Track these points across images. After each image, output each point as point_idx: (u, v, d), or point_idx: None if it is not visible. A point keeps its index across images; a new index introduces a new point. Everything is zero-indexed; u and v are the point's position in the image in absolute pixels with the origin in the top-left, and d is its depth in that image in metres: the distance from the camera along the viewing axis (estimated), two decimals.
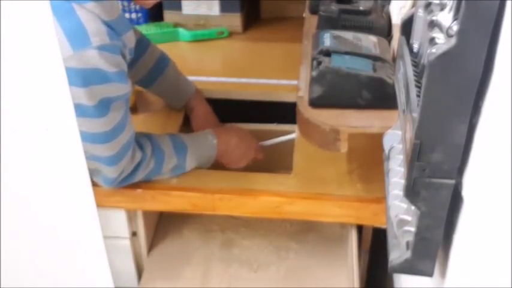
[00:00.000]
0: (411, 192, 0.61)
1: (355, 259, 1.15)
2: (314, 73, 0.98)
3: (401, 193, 0.65)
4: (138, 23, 1.63)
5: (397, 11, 1.13)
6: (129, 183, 1.06)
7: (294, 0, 1.66)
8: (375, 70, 0.98)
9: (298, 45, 1.23)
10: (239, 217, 1.26)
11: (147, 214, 1.20)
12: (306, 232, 1.25)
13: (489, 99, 0.53)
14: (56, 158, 0.57)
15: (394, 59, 1.01)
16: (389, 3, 1.18)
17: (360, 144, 1.13)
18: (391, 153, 0.79)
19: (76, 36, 0.88)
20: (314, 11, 1.28)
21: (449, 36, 0.56)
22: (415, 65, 0.66)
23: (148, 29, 1.58)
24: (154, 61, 1.25)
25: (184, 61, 1.33)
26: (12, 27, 0.49)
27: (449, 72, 0.53)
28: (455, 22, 0.55)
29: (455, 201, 0.61)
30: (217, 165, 1.19)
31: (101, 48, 0.90)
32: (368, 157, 1.14)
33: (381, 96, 0.97)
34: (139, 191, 1.09)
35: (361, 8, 1.17)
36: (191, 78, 1.34)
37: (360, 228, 1.20)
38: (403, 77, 0.68)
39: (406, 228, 0.68)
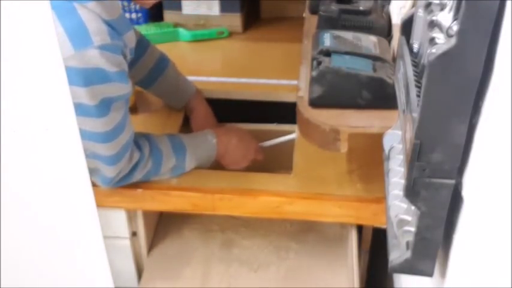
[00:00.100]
0: (411, 192, 0.61)
1: (355, 259, 1.15)
2: (314, 73, 0.98)
3: (401, 193, 0.65)
4: (138, 23, 1.63)
5: (397, 11, 1.13)
6: (126, 184, 1.07)
7: (294, 0, 1.66)
8: (375, 70, 0.98)
9: (298, 45, 1.23)
10: (239, 217, 1.26)
11: (147, 214, 1.20)
12: (306, 232, 1.25)
13: (489, 99, 0.53)
14: (56, 158, 0.57)
15: (394, 59, 1.01)
16: (389, 3, 1.18)
17: (360, 144, 1.13)
18: (391, 153, 0.79)
19: (77, 36, 0.89)
20: (314, 11, 1.28)
21: (449, 36, 0.56)
22: (415, 65, 0.66)
23: (148, 29, 1.58)
24: (154, 62, 1.25)
25: (184, 61, 1.33)
26: (12, 27, 0.49)
27: (449, 72, 0.53)
28: (455, 22, 0.55)
29: (455, 201, 0.61)
30: (217, 166, 1.19)
31: (102, 47, 0.90)
32: (368, 157, 1.14)
33: (381, 96, 0.97)
34: (139, 191, 1.09)
35: (361, 8, 1.17)
36: (191, 78, 1.34)
37: (360, 228, 1.20)
38: (403, 77, 0.68)
39: (406, 228, 0.68)
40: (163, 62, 1.27)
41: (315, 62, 0.99)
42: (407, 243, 0.67)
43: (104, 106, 0.94)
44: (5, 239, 0.61)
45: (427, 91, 0.55)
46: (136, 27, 1.41)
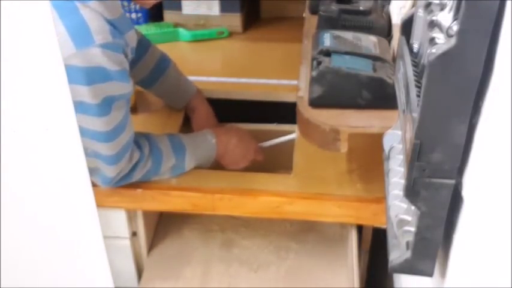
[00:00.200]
0: (411, 192, 0.61)
1: (355, 259, 1.15)
2: (314, 73, 0.98)
3: (401, 193, 0.65)
4: (138, 23, 1.63)
5: (397, 11, 1.13)
6: (126, 183, 1.07)
7: (294, 0, 1.67)
8: (375, 70, 0.98)
9: (298, 45, 1.23)
10: (239, 217, 1.26)
11: (147, 214, 1.20)
12: (306, 232, 1.25)
13: (489, 99, 0.53)
14: (56, 158, 0.57)
15: (394, 59, 1.01)
16: (389, 3, 1.18)
17: (360, 144, 1.13)
18: (391, 153, 0.79)
19: (79, 35, 0.89)
20: (314, 11, 1.28)
21: (449, 36, 0.56)
22: (415, 65, 0.66)
23: (148, 29, 1.58)
24: (156, 62, 1.25)
25: (184, 61, 1.33)
26: (12, 27, 0.49)
27: (449, 72, 0.53)
28: (455, 22, 0.55)
29: (455, 201, 0.61)
30: (217, 166, 1.19)
31: (104, 46, 0.90)
32: (368, 157, 1.14)
33: (381, 96, 0.97)
34: (139, 191, 1.09)
35: (361, 8, 1.17)
36: (191, 78, 1.34)
37: (360, 228, 1.20)
38: (403, 77, 0.68)
39: (406, 228, 0.68)
40: (164, 62, 1.27)
41: (315, 62, 0.99)
42: (407, 243, 0.67)
43: (106, 105, 0.94)
44: (5, 239, 0.61)
45: (427, 91, 0.55)
46: (136, 27, 1.41)
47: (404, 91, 0.65)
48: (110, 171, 1.02)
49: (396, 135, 0.79)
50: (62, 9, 0.88)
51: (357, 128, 0.96)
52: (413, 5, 0.74)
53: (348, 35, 1.07)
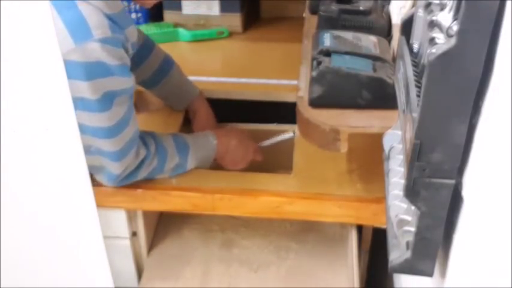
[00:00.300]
0: (411, 192, 0.61)
1: (355, 259, 1.15)
2: (314, 73, 0.98)
3: (401, 193, 0.65)
4: (138, 23, 1.63)
5: (397, 11, 1.13)
6: (131, 181, 1.06)
7: (294, 0, 1.67)
8: (375, 70, 0.98)
9: (298, 45, 1.23)
10: (239, 217, 1.26)
11: (147, 214, 1.20)
12: (306, 232, 1.25)
13: (489, 99, 0.53)
14: (56, 158, 0.57)
15: (394, 59, 1.01)
16: (389, 3, 1.18)
17: (360, 144, 1.13)
18: (391, 153, 0.79)
19: (78, 30, 0.88)
20: (314, 11, 1.28)
21: (449, 36, 0.56)
22: (415, 65, 0.66)
23: (148, 29, 1.58)
24: (159, 63, 1.25)
25: (184, 61, 1.33)
26: (12, 27, 0.49)
27: (449, 72, 0.53)
28: (455, 22, 0.55)
29: (455, 201, 0.61)
30: (217, 167, 1.19)
31: (103, 41, 0.89)
32: (368, 157, 1.14)
33: (381, 96, 0.97)
34: (139, 191, 1.09)
35: (361, 8, 1.17)
36: (191, 78, 1.34)
37: (360, 228, 1.20)
38: (403, 77, 0.68)
39: (406, 228, 0.68)
40: (168, 64, 1.27)
41: (315, 62, 0.99)
42: (407, 243, 0.67)
43: (107, 100, 0.94)
44: (5, 239, 0.61)
45: (427, 91, 0.55)
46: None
47: (404, 91, 0.65)
48: (115, 168, 1.01)
49: (396, 135, 0.79)
50: (59, 4, 0.88)
51: (357, 128, 0.96)
52: (413, 5, 0.74)
53: (348, 35, 1.07)
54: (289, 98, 1.30)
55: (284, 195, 1.08)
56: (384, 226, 0.79)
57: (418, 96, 0.59)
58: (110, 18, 0.92)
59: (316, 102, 0.99)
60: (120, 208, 1.15)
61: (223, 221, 1.27)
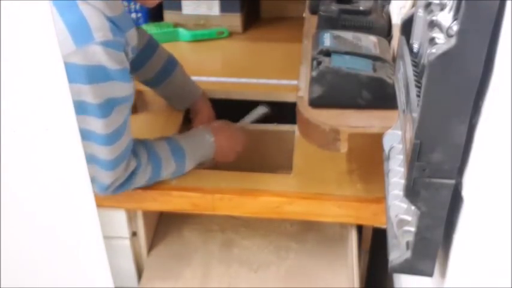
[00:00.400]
0: (411, 192, 0.61)
1: (355, 259, 1.15)
2: (314, 73, 0.98)
3: (401, 193, 0.65)
4: (138, 23, 1.63)
5: (397, 11, 1.13)
6: (125, 190, 1.05)
7: (294, 0, 1.67)
8: (375, 70, 0.98)
9: (298, 45, 1.23)
10: (239, 217, 1.26)
11: (147, 214, 1.20)
12: (306, 232, 1.25)
13: (489, 99, 0.53)
14: (56, 158, 0.57)
15: (394, 59, 1.01)
16: (389, 3, 1.18)
17: (360, 144, 1.13)
18: (391, 153, 0.79)
19: (79, 32, 0.87)
20: (314, 11, 1.28)
21: (449, 36, 0.56)
22: (415, 65, 0.66)
23: (148, 29, 1.57)
24: (163, 63, 1.25)
25: (184, 61, 1.33)
26: (12, 27, 0.49)
27: (449, 72, 0.53)
28: (455, 22, 0.55)
29: (455, 201, 0.61)
30: (215, 166, 1.20)
31: (104, 44, 0.88)
32: (368, 157, 1.14)
33: (381, 96, 0.97)
34: (139, 191, 1.09)
35: (361, 8, 1.17)
36: (191, 78, 1.34)
37: (360, 228, 1.20)
38: (403, 77, 0.68)
39: (406, 228, 0.68)
40: (171, 64, 1.27)
41: (315, 62, 0.99)
42: (407, 243, 0.67)
43: (108, 106, 0.93)
44: (5, 239, 0.61)
45: (427, 91, 0.55)
46: None
47: (404, 91, 0.65)
48: (106, 178, 0.99)
49: (396, 135, 0.79)
50: (61, 6, 0.87)
51: (357, 128, 0.96)
52: (413, 5, 0.74)
53: (348, 35, 1.07)
54: (289, 98, 1.30)
55: (284, 195, 1.08)
56: (384, 226, 0.79)
57: (418, 96, 0.59)
58: (111, 20, 0.91)
59: (316, 102, 0.99)
60: (120, 208, 1.15)
61: (223, 221, 1.27)
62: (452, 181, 0.59)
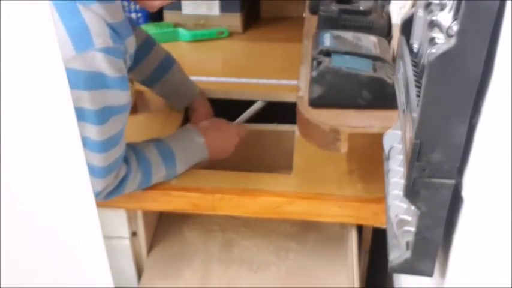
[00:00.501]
0: (411, 192, 0.61)
1: (355, 259, 1.15)
2: (314, 73, 0.98)
3: (401, 193, 0.65)
4: (138, 23, 1.63)
5: (397, 11, 1.13)
6: (116, 196, 1.04)
7: (294, 0, 1.67)
8: (375, 70, 0.98)
9: (298, 45, 1.23)
10: (239, 217, 1.26)
11: (147, 214, 1.20)
12: (306, 232, 1.25)
13: (489, 99, 0.53)
14: (56, 158, 0.57)
15: (394, 59, 1.01)
16: (389, 3, 1.18)
17: (360, 144, 1.13)
18: (391, 153, 0.79)
19: (79, 37, 0.87)
20: (314, 11, 1.28)
21: (449, 36, 0.56)
22: (415, 65, 0.66)
23: (148, 29, 1.57)
24: (160, 61, 1.25)
25: (184, 61, 1.33)
26: (12, 27, 0.49)
27: (449, 72, 0.53)
28: (455, 22, 0.55)
29: (455, 201, 0.61)
30: (215, 165, 1.19)
31: (104, 50, 0.88)
32: (368, 157, 1.14)
33: (381, 96, 0.97)
34: (139, 191, 1.09)
35: (361, 8, 1.17)
36: (191, 78, 1.34)
37: (360, 228, 1.20)
38: (403, 77, 0.68)
39: (406, 228, 0.68)
40: (168, 62, 1.26)
41: (315, 62, 0.99)
42: (407, 243, 0.67)
43: (105, 114, 0.92)
44: (5, 239, 0.61)
45: (427, 91, 0.55)
46: None
47: (404, 91, 0.65)
48: (96, 185, 0.98)
49: (396, 135, 0.79)
50: (62, 10, 0.87)
51: (357, 128, 0.96)
52: (413, 5, 0.74)
53: (348, 35, 1.07)
54: (289, 98, 1.30)
55: (284, 195, 1.08)
56: (384, 226, 0.79)
57: (418, 96, 0.59)
58: (111, 27, 0.90)
59: (316, 102, 0.99)
60: (120, 208, 1.15)
61: (223, 221, 1.28)
62: (452, 181, 0.59)
